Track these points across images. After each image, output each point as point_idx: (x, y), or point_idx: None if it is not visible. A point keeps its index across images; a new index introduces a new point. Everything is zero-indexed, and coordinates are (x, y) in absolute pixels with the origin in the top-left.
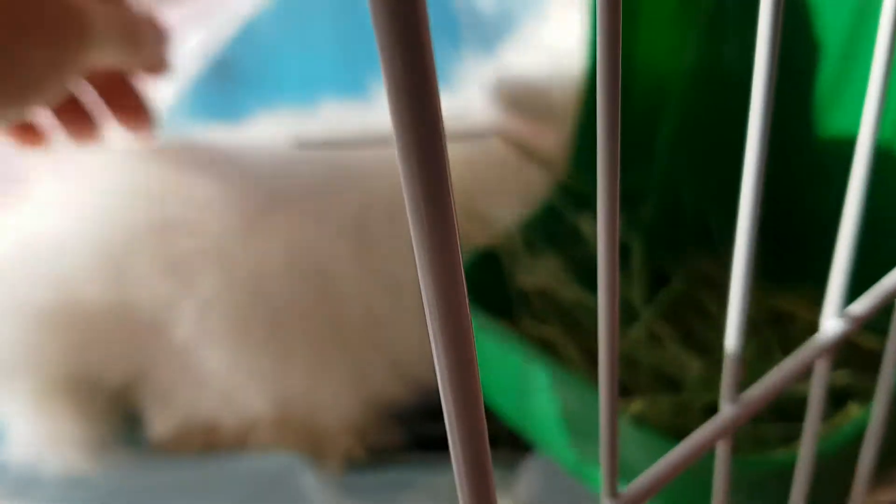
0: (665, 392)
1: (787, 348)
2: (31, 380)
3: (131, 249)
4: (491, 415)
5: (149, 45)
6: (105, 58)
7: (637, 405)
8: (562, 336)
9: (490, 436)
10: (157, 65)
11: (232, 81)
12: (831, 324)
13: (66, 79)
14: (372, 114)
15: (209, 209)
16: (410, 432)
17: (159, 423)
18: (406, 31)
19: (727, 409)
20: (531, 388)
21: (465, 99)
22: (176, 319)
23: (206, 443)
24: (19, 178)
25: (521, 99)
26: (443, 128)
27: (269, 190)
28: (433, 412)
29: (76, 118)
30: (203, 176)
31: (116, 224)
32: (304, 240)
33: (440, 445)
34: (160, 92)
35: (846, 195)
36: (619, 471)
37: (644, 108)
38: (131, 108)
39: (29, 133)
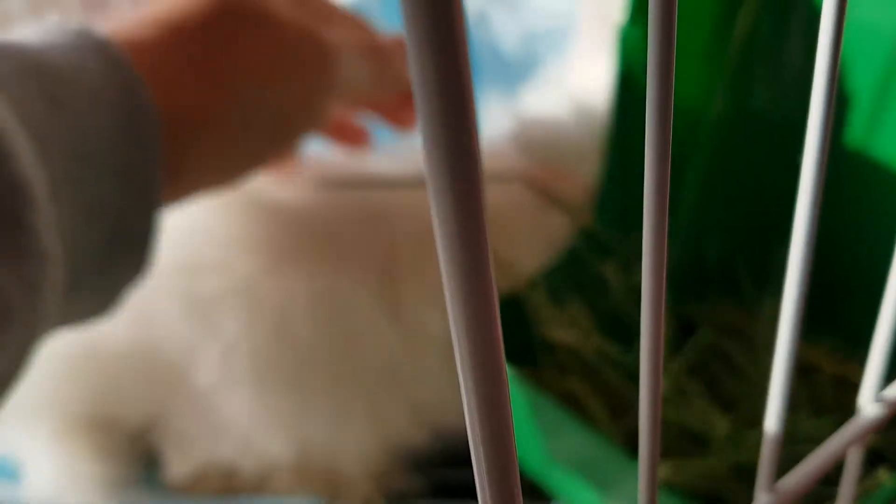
0: (691, 450)
1: (814, 403)
2: (51, 419)
3: (154, 289)
4: None
5: (395, 68)
6: (354, 84)
7: (664, 469)
8: (585, 388)
9: None
10: (407, 82)
11: None
12: (869, 408)
13: (319, 113)
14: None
15: (234, 250)
16: (430, 479)
17: (177, 465)
18: (446, 75)
19: (763, 499)
20: (552, 439)
21: (486, 141)
22: (198, 362)
23: (225, 486)
24: None
25: (543, 143)
26: (481, 167)
27: (294, 231)
28: (453, 459)
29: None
30: (229, 215)
31: None
32: (329, 283)
33: (459, 493)
34: None
35: (878, 250)
36: None
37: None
38: (355, 131)
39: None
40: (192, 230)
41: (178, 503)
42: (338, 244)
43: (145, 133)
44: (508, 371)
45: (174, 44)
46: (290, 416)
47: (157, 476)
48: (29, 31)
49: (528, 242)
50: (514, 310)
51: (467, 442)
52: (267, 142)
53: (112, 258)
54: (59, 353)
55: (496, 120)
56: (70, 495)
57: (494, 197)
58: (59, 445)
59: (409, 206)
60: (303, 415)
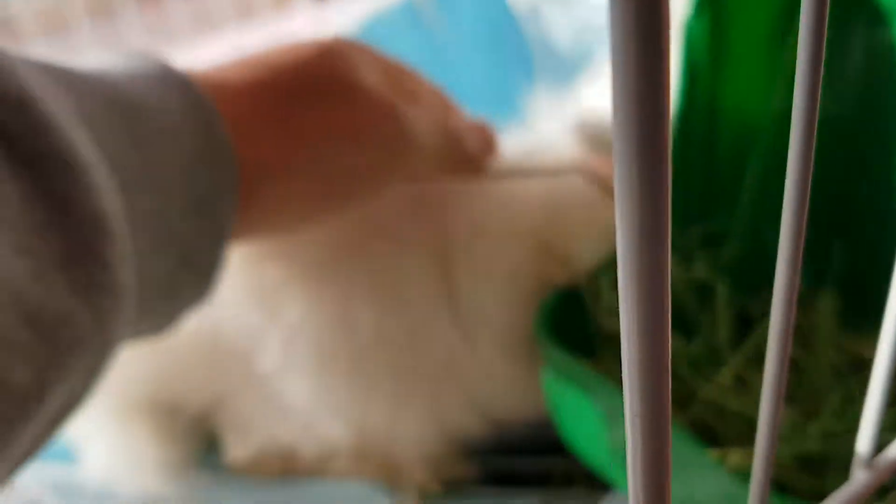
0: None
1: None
2: (112, 400)
3: (227, 272)
4: (568, 454)
5: (469, 148)
6: (426, 163)
7: (735, 456)
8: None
9: (566, 475)
10: (478, 167)
11: None
12: (859, 476)
13: (384, 183)
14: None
15: (297, 240)
16: (484, 467)
17: (237, 448)
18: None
19: (860, 475)
20: (612, 426)
21: (545, 134)
22: (261, 347)
23: (284, 469)
24: None
25: (604, 135)
26: (669, 156)
27: (353, 221)
28: (507, 448)
29: None
30: None
31: None
32: (390, 272)
33: (512, 481)
34: None
35: None
36: None
37: (731, 149)
38: None
39: None
40: None
41: (238, 486)
42: (396, 234)
43: (221, 171)
44: (568, 360)
45: (261, 95)
46: (350, 401)
47: (217, 458)
48: (111, 60)
49: (586, 235)
50: (574, 302)
51: (520, 431)
52: (333, 202)
53: (177, 285)
54: None
55: (549, 113)
56: (127, 478)
57: (553, 190)
58: (118, 427)
59: (464, 197)
60: (362, 401)
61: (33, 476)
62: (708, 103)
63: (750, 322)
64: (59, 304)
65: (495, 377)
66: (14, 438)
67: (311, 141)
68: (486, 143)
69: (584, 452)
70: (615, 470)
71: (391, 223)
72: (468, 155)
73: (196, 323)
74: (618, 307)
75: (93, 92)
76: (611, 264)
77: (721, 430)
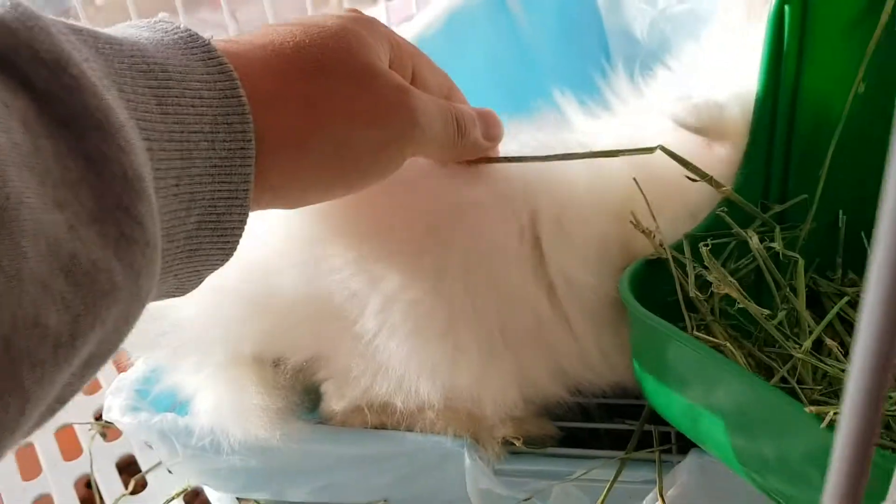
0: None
1: None
2: (222, 353)
3: (326, 245)
4: (655, 414)
5: (474, 133)
6: (430, 145)
7: (831, 412)
8: (730, 346)
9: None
10: (481, 152)
11: None
12: None
13: (390, 164)
14: (520, 138)
15: (398, 214)
16: (565, 429)
17: (334, 401)
18: None
19: None
20: (706, 386)
21: (629, 117)
22: (361, 312)
23: (376, 422)
24: None
25: (690, 115)
26: None
27: (449, 197)
28: (585, 412)
29: None
30: (390, 183)
31: (313, 221)
32: (481, 244)
33: (589, 443)
34: None
35: None
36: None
37: (809, 130)
38: None
39: None
40: (358, 199)
41: (334, 435)
42: (488, 209)
43: (241, 133)
44: (659, 323)
45: (283, 68)
46: (441, 364)
47: (315, 408)
48: (137, 26)
49: (671, 209)
50: (660, 271)
51: (598, 397)
52: (342, 176)
53: (199, 245)
54: (235, 296)
55: (631, 97)
56: (232, 425)
57: (638, 165)
58: (225, 378)
59: (553, 172)
60: (451, 364)
61: (143, 423)
62: (792, 86)
63: (817, 297)
64: (94, 255)
65: (581, 344)
66: (48, 382)
67: (327, 117)
68: (491, 129)
69: (670, 412)
70: (698, 428)
71: (482, 198)
72: (472, 139)
73: (305, 286)
74: (702, 278)
75: (121, 55)
76: (695, 236)
77: (807, 394)
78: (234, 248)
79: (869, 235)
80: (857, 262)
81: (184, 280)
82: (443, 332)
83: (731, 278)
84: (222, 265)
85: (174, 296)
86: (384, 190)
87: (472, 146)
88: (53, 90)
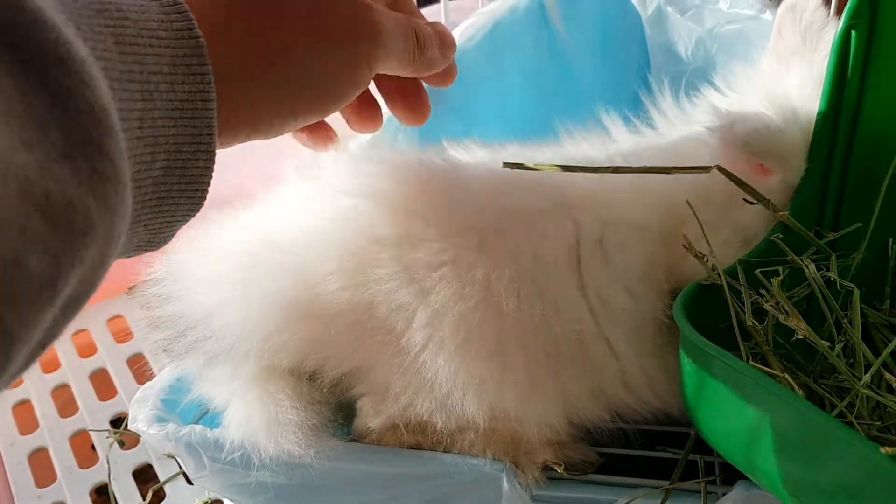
0: None
1: None
2: (256, 363)
3: (373, 253)
4: (700, 443)
5: (432, 49)
6: (391, 60)
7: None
8: (788, 377)
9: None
10: (438, 68)
11: (435, 104)
12: None
13: (359, 80)
14: (563, 152)
15: (447, 225)
16: (605, 455)
17: (371, 418)
18: None
19: None
20: (764, 416)
21: (678, 134)
22: (408, 324)
23: (413, 442)
24: (277, 179)
25: (747, 137)
26: None
27: (498, 211)
28: (627, 440)
29: (362, 108)
30: (442, 193)
31: (360, 227)
32: (529, 261)
33: (626, 471)
34: None
35: None
36: None
37: (867, 157)
38: (413, 106)
39: (317, 132)
40: (408, 200)
41: (368, 454)
42: (536, 225)
43: (200, 75)
44: (716, 351)
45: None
46: (488, 381)
47: (350, 425)
48: None
49: (726, 232)
50: (714, 296)
51: (638, 424)
52: (306, 102)
53: (167, 193)
54: (278, 306)
55: (675, 114)
56: (265, 440)
57: (694, 186)
58: (259, 391)
59: (598, 189)
60: (500, 381)
61: (170, 434)
62: (853, 111)
63: (865, 327)
64: (68, 193)
65: (622, 366)
66: (31, 324)
67: (280, 41)
68: (446, 47)
69: (721, 441)
70: (752, 459)
71: (535, 210)
72: (430, 55)
73: (348, 295)
74: (757, 304)
75: None
76: (750, 261)
77: (864, 429)
78: (204, 197)
79: None
80: None
81: (154, 232)
82: (493, 348)
83: (794, 309)
84: (192, 216)
85: (147, 250)
86: (434, 194)
87: (429, 61)
88: (11, 28)
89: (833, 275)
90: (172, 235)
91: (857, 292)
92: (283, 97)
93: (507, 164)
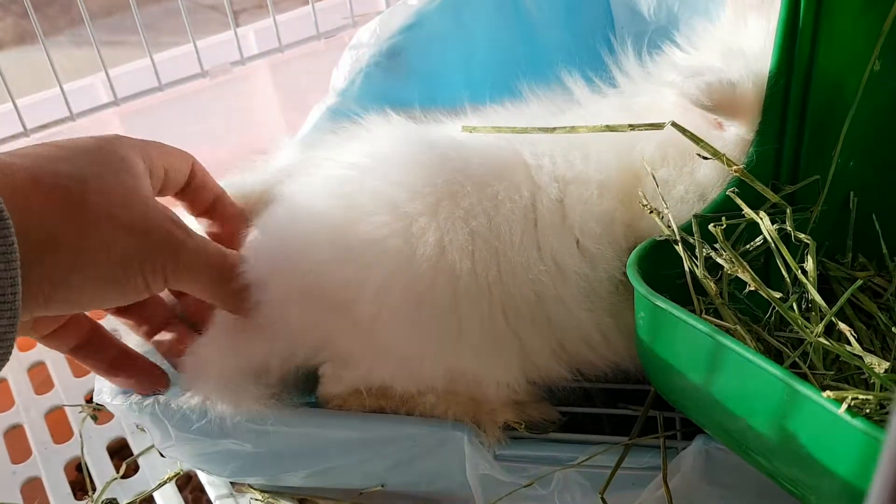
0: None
1: None
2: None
3: (315, 234)
4: (659, 400)
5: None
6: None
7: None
8: (741, 329)
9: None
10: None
11: (399, 71)
12: None
13: (149, 285)
14: (525, 114)
15: (402, 188)
16: (567, 414)
17: (333, 384)
18: None
19: None
20: (714, 368)
21: (638, 92)
22: (357, 297)
23: (375, 406)
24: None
25: (700, 92)
26: None
27: (451, 174)
28: (587, 397)
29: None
30: (402, 157)
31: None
32: (483, 222)
33: (590, 429)
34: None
35: None
36: None
37: (822, 110)
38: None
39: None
40: (354, 180)
41: (333, 418)
42: (490, 186)
43: (3, 239)
44: (667, 304)
45: (42, 178)
46: (445, 343)
47: (314, 392)
48: None
49: (681, 188)
50: (668, 252)
51: (601, 381)
52: (113, 287)
53: None
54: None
55: (638, 73)
56: (227, 403)
57: (649, 143)
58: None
59: (552, 151)
60: (456, 342)
61: (133, 405)
62: (806, 64)
63: (826, 281)
64: None
65: (581, 325)
66: None
67: (95, 221)
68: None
69: (675, 395)
70: (704, 412)
71: (485, 177)
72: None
73: (301, 278)
74: (711, 258)
75: None
76: (704, 217)
77: (818, 378)
78: (9, 354)
79: (881, 219)
80: (868, 246)
81: None
82: (446, 309)
83: (743, 261)
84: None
85: None
86: (379, 162)
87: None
88: None
89: (790, 228)
90: None
91: (812, 244)
92: (87, 276)
93: (465, 128)
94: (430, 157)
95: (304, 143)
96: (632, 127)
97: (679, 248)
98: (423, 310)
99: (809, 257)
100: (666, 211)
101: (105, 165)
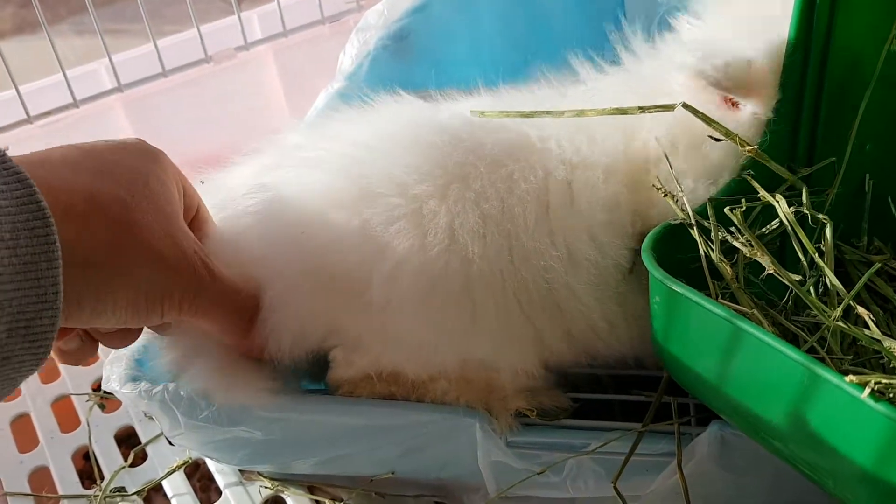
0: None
1: None
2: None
3: (329, 219)
4: (673, 386)
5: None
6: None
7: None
8: (757, 313)
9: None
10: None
11: (407, 54)
12: None
13: (163, 315)
14: (534, 97)
15: (414, 172)
16: (579, 401)
17: (343, 369)
18: None
19: None
20: (731, 352)
21: (647, 72)
22: (369, 282)
23: (386, 392)
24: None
25: (716, 71)
26: None
27: (462, 156)
28: (598, 384)
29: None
30: (411, 138)
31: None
32: (495, 204)
33: (601, 416)
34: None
35: None
36: None
37: (839, 90)
38: None
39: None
40: (364, 160)
41: (343, 405)
42: (502, 170)
43: (45, 238)
44: (683, 288)
45: (86, 183)
46: (456, 329)
47: (325, 378)
48: None
49: (695, 169)
50: (684, 235)
51: (612, 369)
52: (140, 307)
53: (11, 353)
54: None
55: (647, 52)
56: (229, 390)
57: (661, 124)
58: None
59: (561, 135)
60: (468, 329)
61: (143, 393)
62: (824, 40)
63: (842, 264)
64: None
65: (588, 314)
66: None
67: (136, 247)
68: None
69: (691, 381)
70: (722, 398)
71: (495, 161)
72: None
73: (312, 263)
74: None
75: None
76: (720, 199)
77: (836, 363)
78: (47, 352)
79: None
80: (884, 229)
81: None
82: (460, 295)
83: (759, 242)
84: (36, 370)
85: None
86: (403, 143)
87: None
88: None
89: (806, 209)
90: (15, 388)
91: (830, 224)
92: (121, 292)
93: (474, 112)
94: (442, 139)
95: (311, 126)
96: (642, 109)
97: (694, 232)
98: (435, 295)
99: (828, 236)
100: (680, 194)
101: (150, 189)
